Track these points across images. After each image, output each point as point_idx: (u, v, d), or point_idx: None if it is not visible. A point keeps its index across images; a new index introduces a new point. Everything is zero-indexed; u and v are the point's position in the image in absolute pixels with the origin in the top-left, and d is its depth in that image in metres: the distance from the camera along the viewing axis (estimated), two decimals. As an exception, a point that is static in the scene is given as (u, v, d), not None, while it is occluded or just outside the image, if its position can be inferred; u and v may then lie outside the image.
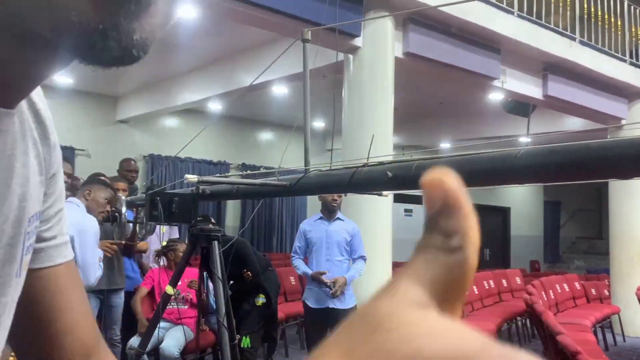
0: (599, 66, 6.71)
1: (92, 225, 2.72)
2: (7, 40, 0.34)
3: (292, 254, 3.84)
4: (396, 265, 8.67)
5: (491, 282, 7.00)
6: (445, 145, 13.65)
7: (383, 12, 4.77)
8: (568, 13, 6.57)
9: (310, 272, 3.65)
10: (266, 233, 11.32)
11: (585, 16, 6.81)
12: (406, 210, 14.01)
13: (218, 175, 6.09)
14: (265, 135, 11.64)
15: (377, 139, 4.68)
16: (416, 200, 14.07)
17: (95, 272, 2.57)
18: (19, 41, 0.34)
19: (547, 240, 17.35)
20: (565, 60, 6.30)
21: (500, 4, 5.72)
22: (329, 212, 3.79)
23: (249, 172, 9.03)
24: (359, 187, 2.65)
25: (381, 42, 4.79)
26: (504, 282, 7.36)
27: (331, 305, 3.64)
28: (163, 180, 9.97)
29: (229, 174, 10.60)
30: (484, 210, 15.03)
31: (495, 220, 15.76)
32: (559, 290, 6.51)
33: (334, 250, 3.72)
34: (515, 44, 5.81)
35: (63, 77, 8.24)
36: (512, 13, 5.83)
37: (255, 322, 3.24)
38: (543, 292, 5.84)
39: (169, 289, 2.75)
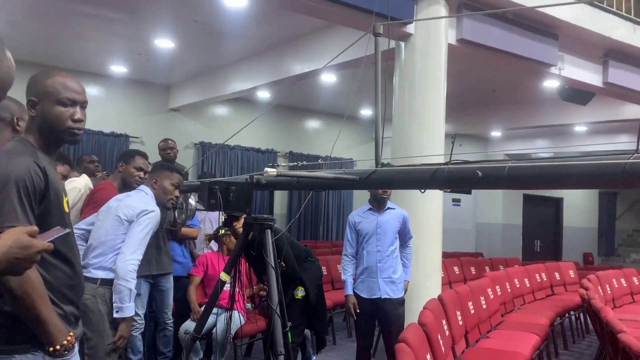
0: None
1: (151, 214, 2.76)
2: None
3: (343, 250, 3.83)
4: (444, 256, 8.58)
5: (543, 274, 6.82)
6: (496, 133, 13.32)
7: (436, -2, 4.67)
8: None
9: (350, 289, 3.71)
10: (313, 221, 11.37)
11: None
12: (454, 200, 13.76)
13: (288, 166, 6.14)
14: (313, 124, 11.65)
15: (428, 128, 4.63)
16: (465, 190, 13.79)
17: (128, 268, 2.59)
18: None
19: (602, 232, 16.71)
20: (628, 46, 6.00)
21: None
22: (378, 204, 3.77)
23: (304, 162, 9.10)
24: (444, 184, 2.52)
25: (434, 29, 4.69)
26: (557, 275, 7.15)
27: (383, 296, 3.64)
28: (213, 167, 10.16)
29: (295, 164, 10.72)
30: (535, 201, 14.61)
31: (547, 211, 15.29)
32: (616, 285, 6.27)
33: (385, 241, 3.70)
34: (574, 29, 5.57)
35: (118, 67, 8.48)
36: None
37: (296, 315, 3.24)
38: (599, 287, 5.64)
39: (224, 276, 2.80)
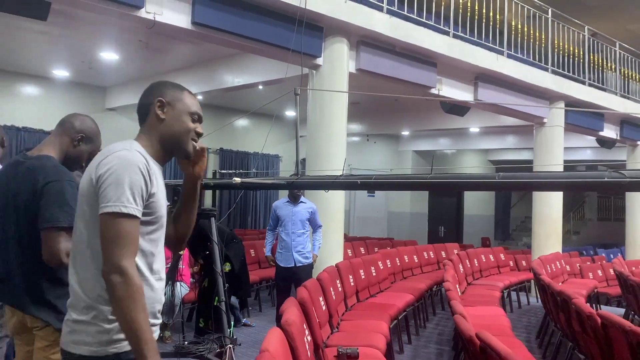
0: (523, 74, 8.07)
1: None
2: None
3: (268, 226, 5.19)
4: (355, 239, 9.97)
5: (431, 253, 8.40)
6: (405, 133, 15.02)
7: (340, 37, 6.00)
8: (498, 29, 7.89)
9: (268, 252, 5.14)
10: (242, 212, 12.55)
11: (513, 32, 8.15)
12: (369, 191, 15.35)
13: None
14: (243, 122, 12.78)
15: (334, 138, 5.96)
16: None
17: None
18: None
19: (498, 219, 19.00)
20: (493, 71, 7.63)
21: (438, 26, 7.00)
22: (293, 198, 5.11)
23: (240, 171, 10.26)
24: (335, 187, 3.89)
25: (338, 61, 6.02)
26: (443, 253, 8.75)
27: (297, 264, 4.99)
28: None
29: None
30: (440, 193, 16.51)
31: (450, 201, 17.27)
32: (484, 260, 7.95)
33: (297, 225, 5.05)
34: (448, 59, 7.09)
35: (61, 71, 9.23)
36: (448, 34, 7.10)
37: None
38: (466, 261, 7.25)
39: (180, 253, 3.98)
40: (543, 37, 8.65)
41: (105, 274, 1.48)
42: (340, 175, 3.75)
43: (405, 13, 6.56)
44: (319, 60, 5.94)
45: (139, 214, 1.53)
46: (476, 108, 8.89)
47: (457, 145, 15.59)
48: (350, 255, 7.82)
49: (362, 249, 8.57)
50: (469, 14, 7.50)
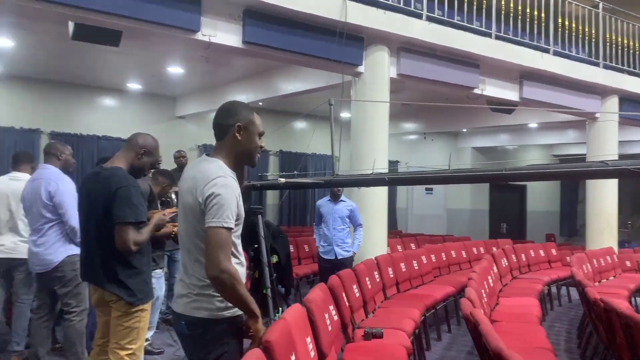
0: (571, 71, 8.12)
1: None
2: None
3: (314, 224, 5.72)
4: (414, 236, 10.26)
5: (481, 248, 8.60)
6: (463, 130, 15.08)
7: (380, 45, 6.41)
8: (543, 27, 8.00)
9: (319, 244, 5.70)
10: (301, 210, 13.17)
11: (560, 29, 8.21)
12: (427, 189, 15.55)
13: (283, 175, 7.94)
14: (300, 125, 13.39)
15: (375, 133, 6.36)
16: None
17: None
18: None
19: (565, 214, 18.55)
20: (538, 69, 7.76)
21: (480, 28, 7.23)
22: (334, 197, 5.60)
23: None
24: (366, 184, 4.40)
25: (379, 68, 6.43)
26: (494, 249, 8.88)
27: (339, 257, 5.49)
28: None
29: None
30: (501, 188, 16.39)
31: (512, 197, 17.09)
32: (533, 255, 8.07)
33: (337, 221, 5.54)
34: (492, 60, 7.31)
35: (134, 84, 10.18)
36: (490, 35, 7.32)
37: (270, 274, 4.96)
38: (514, 255, 7.44)
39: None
40: (593, 31, 8.63)
41: (213, 274, 1.97)
42: (370, 174, 4.22)
43: (445, 18, 6.85)
44: (361, 68, 6.37)
45: (233, 226, 2.05)
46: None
47: (519, 140, 15.43)
48: (400, 250, 8.18)
49: (412, 245, 8.90)
50: (512, 13, 7.66)
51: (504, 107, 8.08)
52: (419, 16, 6.61)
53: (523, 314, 4.54)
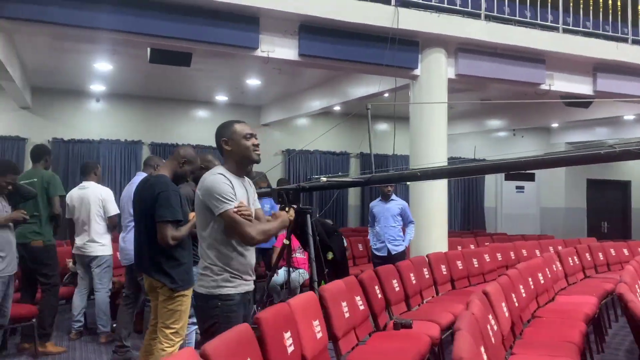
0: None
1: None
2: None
3: (368, 225, 6.04)
4: (507, 239, 10.08)
5: (559, 247, 8.35)
6: (554, 125, 14.44)
7: (436, 48, 6.56)
8: (619, 15, 7.64)
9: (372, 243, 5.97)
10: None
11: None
12: (517, 187, 15.09)
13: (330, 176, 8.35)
14: (380, 126, 13.63)
15: (433, 133, 6.50)
16: (528, 177, 15.05)
17: None
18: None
19: (679, 212, 17.01)
20: (613, 60, 7.43)
21: (544, 23, 7.11)
22: (385, 197, 5.87)
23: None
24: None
25: (435, 69, 6.57)
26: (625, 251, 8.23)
27: (392, 252, 5.76)
28: (297, 169, 12.49)
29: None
30: (600, 185, 15.45)
31: (614, 194, 16.03)
32: (613, 254, 7.72)
33: (389, 220, 5.81)
34: (559, 54, 7.15)
35: (221, 96, 11.05)
36: (557, 29, 7.16)
37: (321, 270, 5.31)
38: (588, 254, 7.19)
39: (285, 241, 4.99)
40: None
41: (249, 242, 2.57)
42: (405, 171, 4.46)
43: (505, 15, 6.84)
44: (417, 71, 6.56)
45: (236, 202, 2.55)
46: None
47: (617, 134, 14.45)
48: (472, 248, 8.19)
49: (487, 244, 8.85)
50: (582, 3, 7.42)
51: (578, 100, 7.83)
52: (477, 16, 6.66)
53: (570, 311, 4.53)
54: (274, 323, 2.45)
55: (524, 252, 7.58)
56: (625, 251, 7.95)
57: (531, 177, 15.30)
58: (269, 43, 5.83)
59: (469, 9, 6.64)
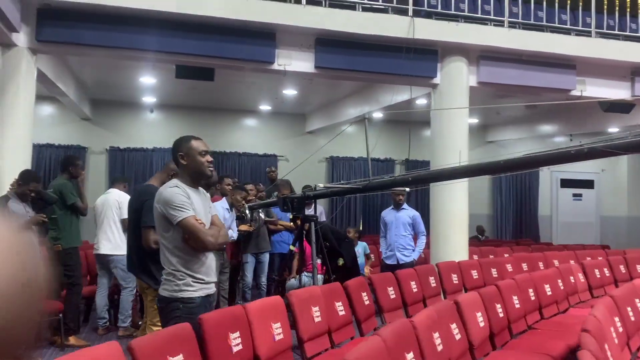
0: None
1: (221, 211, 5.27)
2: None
3: (380, 235, 6.14)
4: (563, 248, 9.76)
5: (599, 257, 8.01)
6: (613, 130, 13.76)
7: (457, 56, 6.55)
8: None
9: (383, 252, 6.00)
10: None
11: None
12: (574, 195, 14.47)
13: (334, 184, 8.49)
14: (426, 132, 13.52)
15: (452, 147, 6.50)
16: (586, 184, 14.40)
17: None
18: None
19: None
20: (651, 63, 7.09)
21: (574, 27, 6.91)
22: (397, 205, 5.93)
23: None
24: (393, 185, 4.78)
25: (456, 78, 6.57)
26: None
27: (400, 262, 5.81)
28: (340, 175, 12.65)
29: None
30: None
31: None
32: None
33: (400, 228, 5.86)
34: (591, 59, 6.92)
35: (265, 106, 11.45)
36: (589, 34, 6.94)
37: (338, 274, 5.44)
38: (606, 269, 6.87)
39: (292, 247, 5.20)
40: None
41: (206, 247, 2.79)
42: (398, 176, 4.56)
43: (529, 21, 6.72)
44: (436, 80, 6.59)
45: (192, 211, 2.79)
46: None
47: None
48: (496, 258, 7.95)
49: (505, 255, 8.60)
50: (617, 4, 7.14)
51: (618, 105, 7.52)
52: (500, 23, 6.60)
53: (569, 324, 4.43)
54: (217, 323, 2.67)
55: (556, 262, 7.34)
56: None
57: (590, 185, 14.64)
58: (286, 57, 6.08)
59: (491, 16, 6.58)
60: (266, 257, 6.20)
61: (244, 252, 5.91)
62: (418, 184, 5.07)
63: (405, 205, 6.05)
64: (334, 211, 12.24)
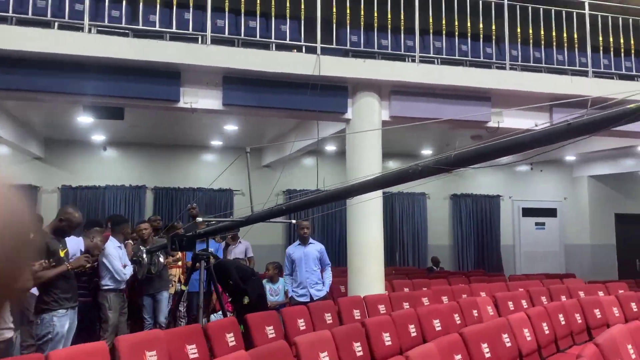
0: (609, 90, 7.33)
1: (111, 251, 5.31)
2: None
3: (285, 273, 6.08)
4: (525, 278, 9.62)
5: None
6: (570, 158, 13.81)
7: (367, 92, 6.66)
8: (577, 47, 7.41)
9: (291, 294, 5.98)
10: (388, 248, 13.13)
11: (600, 45, 7.51)
12: (537, 224, 14.44)
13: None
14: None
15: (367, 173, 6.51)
16: (549, 213, 14.37)
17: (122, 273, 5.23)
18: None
19: None
20: (570, 95, 7.18)
21: (488, 60, 7.04)
22: (303, 240, 5.91)
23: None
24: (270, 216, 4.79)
25: (367, 113, 6.66)
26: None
27: (315, 298, 5.75)
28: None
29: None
30: (630, 219, 14.41)
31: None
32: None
33: (310, 264, 5.81)
34: (507, 92, 7.02)
35: (216, 141, 11.55)
36: (504, 67, 7.06)
37: (243, 313, 5.39)
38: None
39: (183, 287, 5.18)
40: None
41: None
42: (275, 206, 4.59)
43: (441, 56, 6.85)
44: (348, 115, 6.68)
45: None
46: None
47: (642, 164, 13.64)
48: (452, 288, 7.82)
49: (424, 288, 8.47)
50: (531, 40, 7.29)
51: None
52: (410, 59, 6.73)
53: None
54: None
55: (483, 294, 7.29)
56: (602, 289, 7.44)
57: (552, 213, 14.62)
58: (192, 95, 6.18)
59: (402, 52, 6.72)
60: (163, 296, 6.10)
61: (139, 294, 5.85)
62: (292, 212, 5.08)
63: (311, 240, 6.01)
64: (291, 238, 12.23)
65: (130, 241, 5.98)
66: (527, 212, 14.42)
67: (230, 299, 6.00)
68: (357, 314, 5.62)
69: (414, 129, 7.42)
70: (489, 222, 14.00)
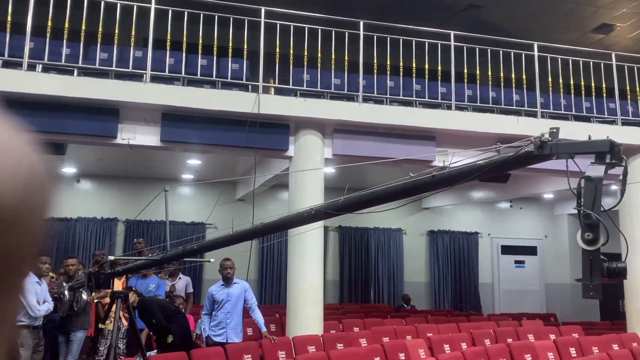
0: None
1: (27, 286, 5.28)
2: None
3: (203, 309, 5.95)
4: (510, 317, 9.36)
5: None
6: (548, 196, 13.70)
7: (309, 129, 6.69)
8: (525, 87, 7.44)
9: (206, 334, 5.81)
10: (364, 286, 12.99)
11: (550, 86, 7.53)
12: (517, 262, 14.24)
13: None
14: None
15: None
16: (529, 251, 14.18)
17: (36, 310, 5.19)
18: None
19: None
20: (516, 135, 7.17)
21: (433, 100, 7.07)
22: (227, 280, 5.82)
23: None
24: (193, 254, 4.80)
25: (310, 151, 6.68)
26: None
27: (229, 341, 5.61)
28: (271, 242, 12.60)
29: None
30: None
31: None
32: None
33: (233, 304, 5.69)
34: (451, 131, 7.03)
35: (187, 175, 11.61)
36: (450, 106, 7.09)
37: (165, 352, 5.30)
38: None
39: (101, 325, 5.14)
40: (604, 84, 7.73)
41: None
42: (193, 243, 4.58)
43: (385, 96, 6.90)
44: (290, 152, 6.70)
45: None
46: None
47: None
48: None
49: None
50: (478, 76, 7.33)
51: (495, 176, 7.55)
52: (353, 98, 6.78)
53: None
54: None
55: (430, 334, 7.14)
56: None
57: (532, 251, 14.43)
58: (130, 131, 6.24)
59: (344, 92, 6.78)
60: (77, 336, 5.91)
61: (59, 331, 5.79)
62: (204, 252, 5.05)
63: (235, 279, 5.90)
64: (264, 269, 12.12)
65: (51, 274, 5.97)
66: (506, 249, 14.25)
67: (155, 338, 5.93)
68: (282, 355, 5.52)
69: (360, 166, 7.44)
70: (466, 260, 13.81)
